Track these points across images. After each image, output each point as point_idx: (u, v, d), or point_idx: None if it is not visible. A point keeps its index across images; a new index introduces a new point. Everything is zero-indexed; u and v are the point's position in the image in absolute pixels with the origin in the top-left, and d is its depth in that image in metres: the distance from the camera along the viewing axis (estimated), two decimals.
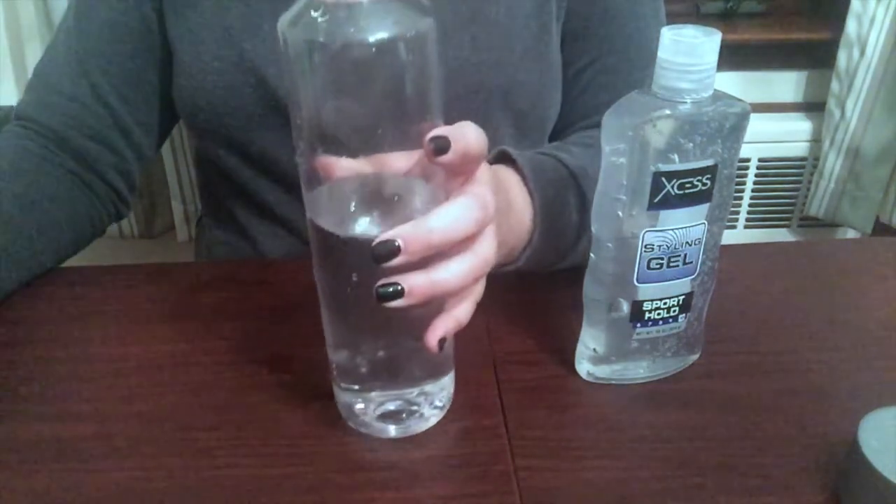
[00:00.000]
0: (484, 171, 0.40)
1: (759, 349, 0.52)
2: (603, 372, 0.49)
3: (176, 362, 0.51)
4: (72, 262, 0.64)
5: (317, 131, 0.37)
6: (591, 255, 0.47)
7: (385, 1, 0.34)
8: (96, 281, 0.61)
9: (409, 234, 0.36)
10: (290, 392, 0.48)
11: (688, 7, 1.48)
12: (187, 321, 0.55)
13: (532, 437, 0.45)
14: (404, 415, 0.44)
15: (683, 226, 0.44)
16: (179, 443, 0.45)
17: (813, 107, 1.48)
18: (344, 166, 0.37)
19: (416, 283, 0.37)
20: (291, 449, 0.44)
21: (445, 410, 0.45)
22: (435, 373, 0.44)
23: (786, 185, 1.52)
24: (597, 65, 0.68)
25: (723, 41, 0.40)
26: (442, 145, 0.36)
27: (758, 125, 1.42)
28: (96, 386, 0.49)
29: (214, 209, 0.77)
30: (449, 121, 0.39)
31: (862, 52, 1.33)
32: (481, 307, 0.42)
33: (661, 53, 0.41)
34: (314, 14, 0.34)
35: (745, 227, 1.56)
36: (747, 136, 0.44)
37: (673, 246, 0.44)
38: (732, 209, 1.50)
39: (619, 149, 0.42)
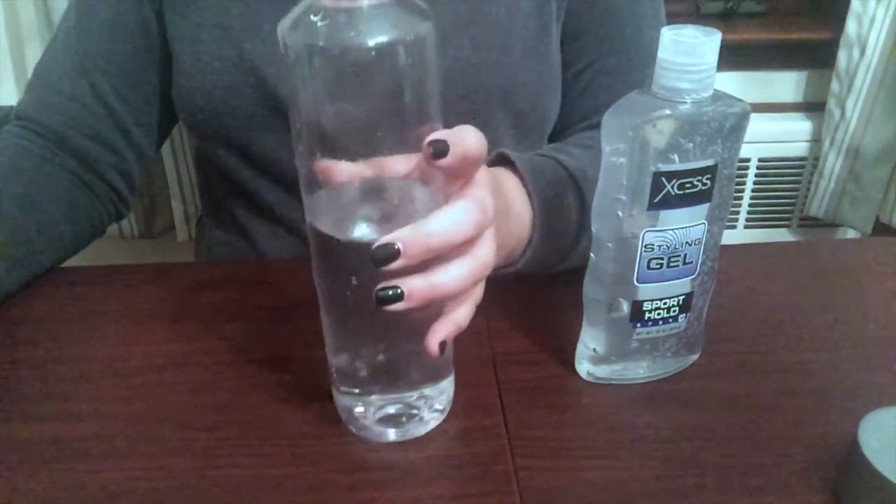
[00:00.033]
0: (483, 173, 0.40)
1: (759, 349, 0.52)
2: (603, 372, 0.49)
3: (176, 362, 0.51)
4: (72, 262, 0.64)
5: (316, 135, 0.37)
6: (591, 255, 0.47)
7: (384, 5, 0.35)
8: (96, 281, 0.61)
9: (408, 238, 0.36)
10: (290, 392, 0.48)
11: (688, 7, 1.48)
12: (187, 321, 0.55)
13: (532, 437, 0.45)
14: (404, 418, 0.44)
15: (683, 226, 0.44)
16: (179, 443, 0.45)
17: (813, 107, 1.48)
18: (343, 170, 0.37)
19: (415, 287, 0.37)
20: (291, 449, 0.44)
21: (445, 414, 0.45)
22: (434, 376, 0.44)
23: (786, 185, 1.52)
24: (597, 65, 0.68)
25: (723, 41, 0.40)
26: (441, 149, 0.36)
27: (758, 125, 1.42)
28: (96, 386, 0.49)
29: (214, 209, 0.77)
30: (448, 121, 0.39)
31: (862, 52, 1.33)
32: (481, 307, 0.42)
33: (661, 53, 0.41)
34: (314, 18, 0.34)
35: (745, 227, 1.56)
36: (747, 136, 0.44)
37: (673, 246, 0.44)
38: (732, 209, 1.50)
39: (619, 149, 0.42)
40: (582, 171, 0.55)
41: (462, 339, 0.42)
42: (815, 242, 1.38)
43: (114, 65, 0.65)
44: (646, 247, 0.44)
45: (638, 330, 0.47)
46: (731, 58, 1.41)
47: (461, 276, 0.38)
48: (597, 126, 0.44)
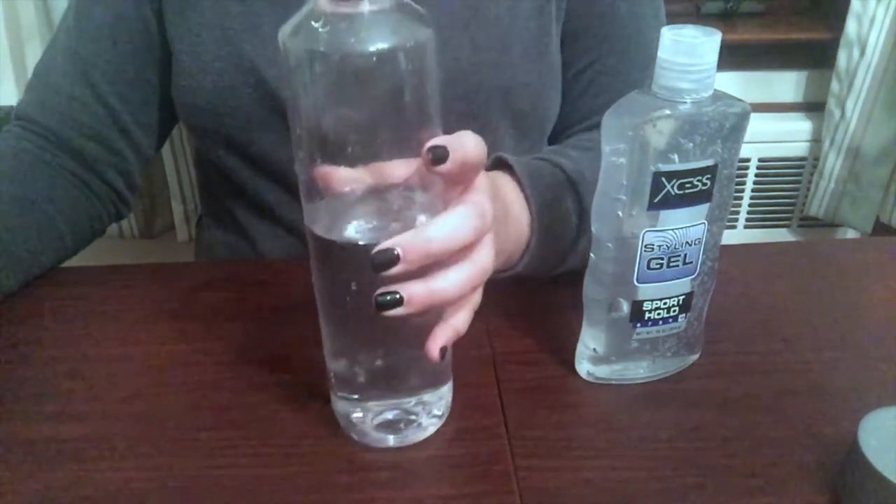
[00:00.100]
0: (482, 179, 0.40)
1: (759, 349, 0.52)
2: (603, 372, 0.49)
3: (176, 362, 0.51)
4: (72, 262, 0.64)
5: (316, 140, 0.37)
6: (591, 255, 0.47)
7: (385, 12, 0.35)
8: (96, 281, 0.61)
9: (408, 243, 0.36)
10: (290, 392, 0.48)
11: (688, 7, 1.48)
12: (187, 321, 0.55)
13: (532, 437, 0.45)
14: (402, 424, 0.44)
15: (683, 226, 0.44)
16: (179, 443, 0.45)
17: (813, 107, 1.48)
18: (343, 176, 0.37)
19: (414, 292, 0.37)
20: (291, 449, 0.44)
21: (444, 419, 0.45)
22: (433, 382, 0.44)
23: (786, 185, 1.52)
24: (597, 66, 0.68)
25: (723, 41, 0.40)
26: (440, 155, 0.36)
27: (758, 125, 1.42)
28: (96, 386, 0.49)
29: (214, 209, 0.77)
30: (448, 121, 0.39)
31: (862, 52, 1.33)
32: (481, 307, 0.42)
33: (661, 53, 0.41)
34: (315, 24, 0.34)
35: (745, 227, 1.56)
36: (747, 136, 0.44)
37: (673, 246, 0.44)
38: (732, 209, 1.50)
39: (619, 149, 0.42)
40: (580, 173, 0.55)
41: (462, 340, 0.42)
42: (815, 242, 1.38)
43: (114, 65, 0.65)
44: (646, 247, 0.44)
45: (638, 330, 0.47)
46: (731, 58, 1.41)
47: (460, 281, 0.38)
48: (597, 126, 0.44)
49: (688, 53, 0.40)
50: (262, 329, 0.54)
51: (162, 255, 1.38)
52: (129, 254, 1.34)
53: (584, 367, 0.49)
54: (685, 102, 0.41)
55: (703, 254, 0.45)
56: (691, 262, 0.45)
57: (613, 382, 0.49)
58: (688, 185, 0.42)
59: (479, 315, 0.41)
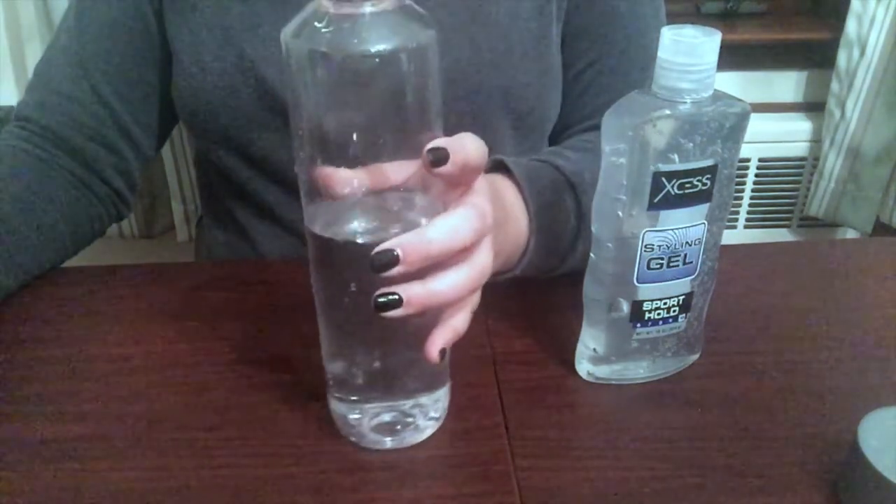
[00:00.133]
0: (481, 181, 0.40)
1: (759, 349, 0.52)
2: (603, 372, 0.49)
3: (176, 362, 0.51)
4: (72, 262, 0.64)
5: (317, 141, 0.37)
6: (591, 255, 0.47)
7: (388, 13, 0.35)
8: (96, 281, 0.61)
9: (408, 244, 0.36)
10: (290, 392, 0.48)
11: (688, 7, 1.48)
12: (187, 321, 0.55)
13: (532, 437, 0.45)
14: (399, 426, 0.44)
15: (683, 226, 0.44)
16: (179, 443, 0.45)
17: (813, 107, 1.48)
18: (343, 177, 0.37)
19: (413, 294, 0.37)
20: (291, 449, 0.44)
21: (441, 422, 0.45)
22: (431, 385, 0.44)
23: (786, 185, 1.52)
24: (597, 66, 0.68)
25: (723, 41, 0.40)
26: (440, 156, 0.36)
27: (758, 125, 1.42)
28: (96, 386, 0.49)
29: (214, 209, 0.77)
30: (448, 122, 0.39)
31: (862, 52, 1.33)
32: (481, 307, 0.42)
33: (661, 53, 0.41)
34: (318, 25, 0.35)
35: (745, 227, 1.56)
36: (747, 136, 0.44)
37: (673, 246, 0.44)
38: (732, 209, 1.50)
39: (619, 149, 0.42)
40: (579, 174, 0.55)
41: (462, 340, 0.42)
42: (815, 242, 1.38)
43: (114, 65, 0.65)
44: (646, 247, 0.44)
45: (638, 330, 0.47)
46: (731, 58, 1.40)
47: (459, 283, 0.38)
48: (597, 127, 0.44)
49: (688, 53, 0.40)
50: (262, 329, 0.54)
51: (162, 255, 1.38)
52: (129, 254, 1.35)
53: (584, 367, 0.49)
54: (685, 102, 0.41)
55: (703, 254, 0.45)
56: (691, 262, 0.45)
57: (613, 382, 0.49)
58: (688, 185, 0.42)
59: (479, 315, 0.41)
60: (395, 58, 0.35)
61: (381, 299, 0.37)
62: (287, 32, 0.35)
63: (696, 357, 0.51)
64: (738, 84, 1.45)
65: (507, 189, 0.53)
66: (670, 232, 0.44)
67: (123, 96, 0.66)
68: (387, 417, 0.44)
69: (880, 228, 1.45)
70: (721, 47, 0.40)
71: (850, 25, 1.32)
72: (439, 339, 0.39)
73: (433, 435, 0.45)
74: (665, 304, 0.46)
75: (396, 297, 0.37)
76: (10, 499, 0.41)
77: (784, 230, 1.58)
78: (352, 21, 0.34)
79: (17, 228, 0.58)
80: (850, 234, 1.54)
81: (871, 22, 1.30)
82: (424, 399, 0.44)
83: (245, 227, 0.73)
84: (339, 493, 0.41)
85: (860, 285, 0.60)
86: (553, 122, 0.72)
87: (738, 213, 1.54)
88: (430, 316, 0.40)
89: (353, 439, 0.44)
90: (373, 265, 0.36)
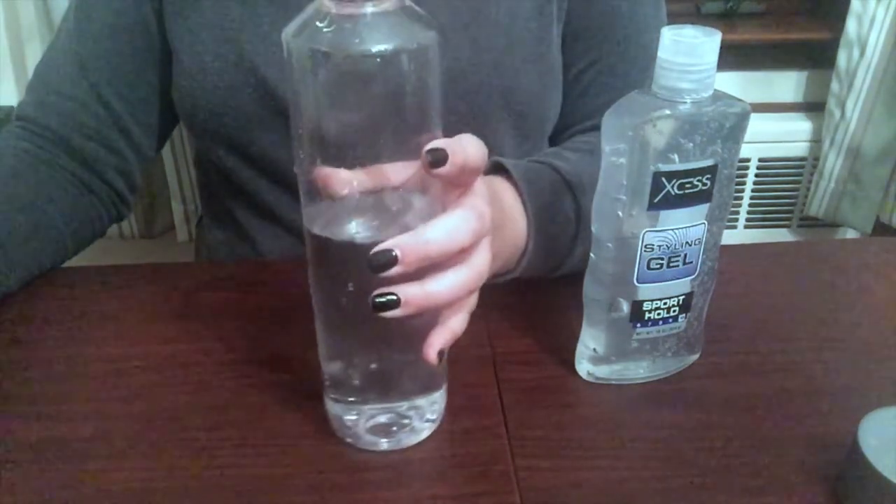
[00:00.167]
0: (480, 183, 0.40)
1: (759, 349, 0.52)
2: (603, 372, 0.49)
3: (176, 362, 0.51)
4: (72, 262, 0.64)
5: (317, 141, 0.37)
6: (591, 255, 0.47)
7: (389, 13, 0.35)
8: (96, 281, 0.61)
9: (406, 245, 0.36)
10: (290, 392, 0.48)
11: (688, 7, 1.48)
12: (187, 321, 0.55)
13: (532, 437, 0.45)
14: (395, 428, 0.44)
15: (683, 226, 0.44)
16: (179, 443, 0.45)
17: (813, 107, 1.48)
18: (343, 178, 0.37)
19: (411, 294, 0.37)
20: (291, 449, 0.44)
21: (437, 423, 0.45)
22: (428, 386, 0.44)
23: (786, 185, 1.52)
24: (597, 66, 0.68)
25: (723, 41, 0.40)
26: (439, 157, 0.36)
27: (758, 125, 1.42)
28: (96, 386, 0.49)
29: (214, 210, 0.77)
30: (448, 122, 0.39)
31: (862, 52, 1.33)
32: (481, 307, 0.42)
33: (661, 53, 0.41)
34: (319, 24, 0.35)
35: (745, 227, 1.56)
36: (747, 136, 0.44)
37: (673, 246, 0.44)
38: (732, 209, 1.50)
39: (619, 149, 0.42)
40: (578, 176, 0.55)
41: (462, 340, 0.42)
42: (815, 242, 1.38)
43: (114, 65, 0.65)
44: (646, 247, 0.44)
45: (638, 330, 0.47)
46: (731, 58, 1.41)
47: (457, 284, 0.39)
48: (598, 127, 0.44)
49: (688, 53, 0.40)
50: (262, 329, 0.54)
51: (162, 255, 1.38)
52: (129, 254, 1.34)
53: (584, 367, 0.49)
54: (685, 102, 0.41)
55: (703, 254, 0.45)
56: (691, 262, 0.45)
57: (613, 382, 0.49)
58: (688, 185, 0.42)
59: (479, 315, 0.42)
60: (396, 58, 0.35)
61: (379, 299, 0.37)
62: (288, 32, 0.35)
63: (696, 357, 0.51)
64: (738, 84, 1.45)
65: (505, 191, 0.53)
66: (670, 232, 0.44)
67: (124, 96, 0.66)
68: (383, 419, 0.44)
69: (880, 228, 1.45)
70: (721, 47, 0.40)
71: (850, 25, 1.32)
72: (437, 341, 0.40)
73: (433, 435, 0.45)
74: (665, 304, 0.46)
75: (394, 297, 0.37)
76: (10, 499, 0.41)
77: (784, 230, 1.58)
78: (353, 21, 0.34)
79: (18, 228, 0.58)
80: (850, 234, 1.54)
81: (871, 22, 1.30)
82: (421, 401, 0.44)
83: (245, 227, 0.73)
84: (339, 493, 0.41)
85: (860, 285, 0.60)
86: (553, 123, 0.72)
87: (738, 213, 1.54)
88: (428, 317, 0.40)
89: (348, 440, 0.44)
90: (371, 265, 0.36)
